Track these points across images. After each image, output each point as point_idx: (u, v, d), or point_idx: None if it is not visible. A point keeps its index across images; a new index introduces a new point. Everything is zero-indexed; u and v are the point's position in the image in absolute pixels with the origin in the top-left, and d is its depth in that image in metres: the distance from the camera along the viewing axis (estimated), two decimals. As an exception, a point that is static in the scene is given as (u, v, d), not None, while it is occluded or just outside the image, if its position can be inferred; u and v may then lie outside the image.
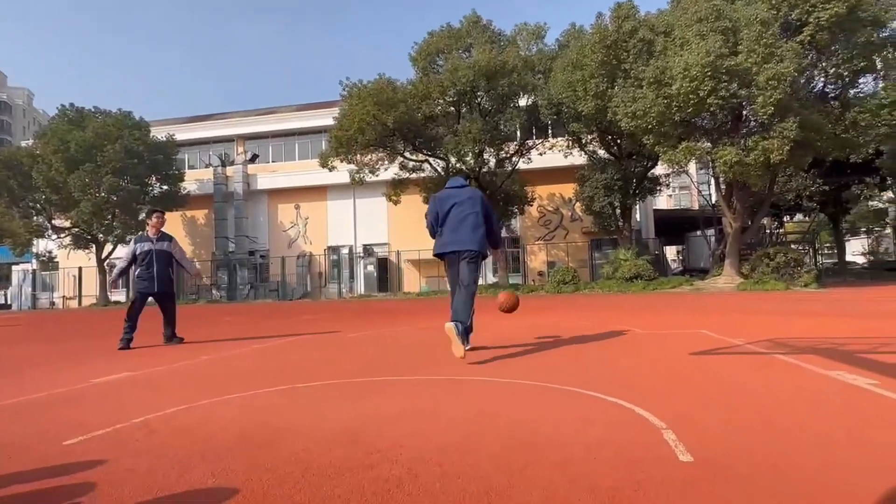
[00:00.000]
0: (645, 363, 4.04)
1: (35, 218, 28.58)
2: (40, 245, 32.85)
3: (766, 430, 2.27)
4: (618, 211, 22.14)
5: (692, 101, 15.06)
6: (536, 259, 28.73)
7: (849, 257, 34.73)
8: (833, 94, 17.09)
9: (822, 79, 17.00)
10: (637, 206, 25.90)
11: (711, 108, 15.39)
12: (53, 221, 28.87)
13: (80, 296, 31.84)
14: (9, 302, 36.01)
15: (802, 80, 16.09)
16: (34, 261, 34.05)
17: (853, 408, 2.58)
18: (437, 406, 2.85)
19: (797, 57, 14.45)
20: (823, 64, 16.37)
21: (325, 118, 27.66)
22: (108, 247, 28.88)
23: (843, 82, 16.65)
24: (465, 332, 4.21)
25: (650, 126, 16.28)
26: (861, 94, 16.86)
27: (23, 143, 33.15)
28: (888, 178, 25.35)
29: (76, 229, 28.04)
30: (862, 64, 15.86)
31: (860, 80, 16.96)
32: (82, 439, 2.42)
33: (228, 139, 33.48)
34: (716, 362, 3.99)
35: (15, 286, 36.33)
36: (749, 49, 14.53)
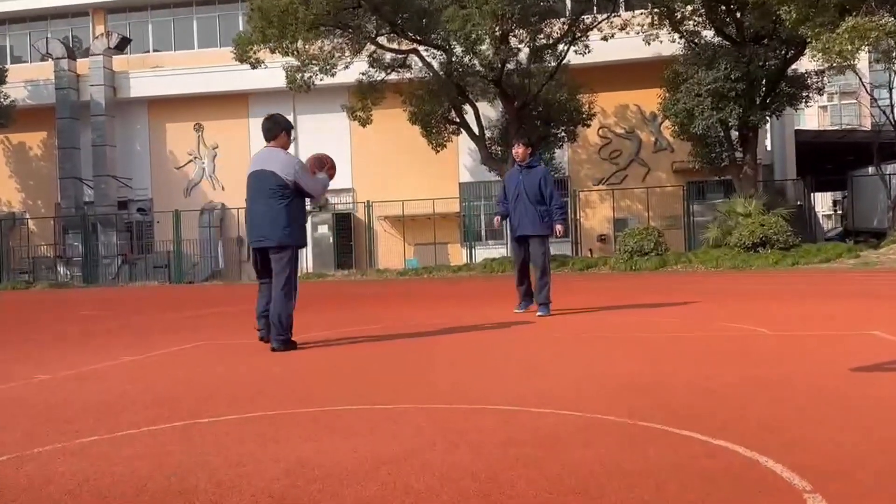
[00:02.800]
0: (773, 383, 4.01)
1: None
2: None
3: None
4: (734, 134, 21.94)
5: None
6: (596, 215, 28.66)
7: None
8: None
9: None
10: (768, 127, 25.67)
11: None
12: None
13: None
14: None
15: None
16: None
17: None
18: (417, 452, 2.82)
19: None
20: None
21: (243, -22, 27.24)
22: None
23: None
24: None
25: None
26: None
27: None
28: None
29: None
30: None
31: None
32: None
33: (79, 12, 33.07)
34: (894, 382, 3.94)
35: None
36: None
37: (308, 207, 7.03)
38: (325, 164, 6.80)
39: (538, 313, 8.20)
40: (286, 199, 6.03)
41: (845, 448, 2.73)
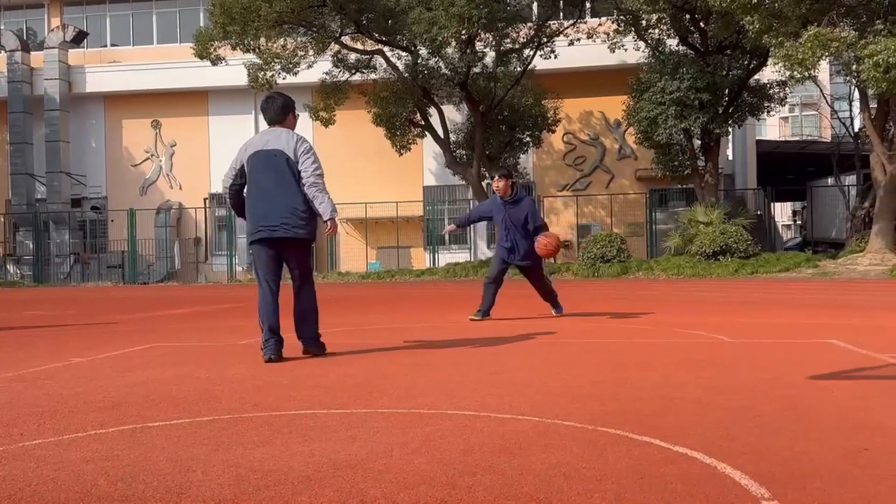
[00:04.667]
0: (733, 391, 4.04)
1: None
2: None
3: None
4: (697, 143, 22.17)
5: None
6: (560, 220, 28.80)
7: None
8: None
9: None
10: (730, 136, 26.00)
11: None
12: None
13: None
14: None
15: None
16: None
17: None
18: (374, 458, 2.79)
19: None
20: None
21: (205, -27, 26.98)
22: None
23: None
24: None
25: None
26: None
27: None
28: None
29: None
30: None
31: None
32: None
33: (34, 3, 32.59)
34: (851, 391, 3.98)
35: None
36: None
37: None
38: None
39: (555, 312, 8.91)
40: (302, 186, 5.46)
41: (803, 456, 2.75)
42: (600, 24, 23.56)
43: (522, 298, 10.42)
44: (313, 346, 5.64)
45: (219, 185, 30.06)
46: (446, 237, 24.75)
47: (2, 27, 31.99)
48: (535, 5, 23.59)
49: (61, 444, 3.11)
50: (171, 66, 29.82)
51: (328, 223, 5.71)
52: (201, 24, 25.27)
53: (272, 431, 3.30)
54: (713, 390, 4.10)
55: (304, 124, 27.09)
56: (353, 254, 28.67)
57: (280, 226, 5.33)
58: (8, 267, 29.88)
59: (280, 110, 5.72)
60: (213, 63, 22.39)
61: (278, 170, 5.38)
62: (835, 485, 2.42)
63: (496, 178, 8.60)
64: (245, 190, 5.63)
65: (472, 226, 8.69)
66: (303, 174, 5.45)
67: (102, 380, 4.89)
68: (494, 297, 8.59)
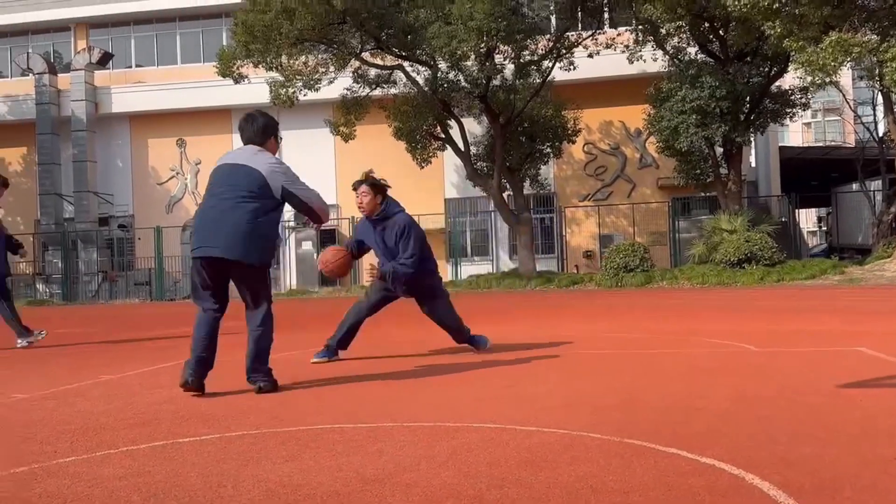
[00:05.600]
0: (759, 401, 4.01)
1: None
2: None
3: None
4: (719, 150, 22.05)
5: (847, -36, 14.93)
6: (581, 231, 28.71)
7: None
8: None
9: None
10: (752, 143, 25.84)
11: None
12: None
13: None
14: None
15: None
16: None
17: None
18: (401, 471, 2.80)
19: None
20: None
21: (227, -8, 27.29)
22: None
23: None
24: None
25: (776, 4, 16.17)
26: None
27: None
28: None
29: None
30: None
31: None
32: None
33: (61, 27, 33.04)
34: (880, 399, 3.94)
35: None
36: None
37: (293, 224, 5.61)
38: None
39: (478, 348, 6.63)
40: (266, 206, 4.57)
41: (832, 464, 2.74)
42: (619, 35, 23.53)
43: (550, 310, 10.37)
44: (265, 383, 4.79)
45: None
46: (471, 248, 24.80)
47: (29, 50, 32.43)
48: (553, 17, 23.61)
49: (94, 461, 3.14)
50: (195, 85, 30.10)
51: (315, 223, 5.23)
52: (224, 44, 25.48)
53: (300, 446, 3.32)
54: (739, 400, 4.07)
55: (326, 140, 27.36)
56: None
57: (227, 247, 4.44)
58: (37, 285, 30.18)
59: (260, 131, 4.89)
60: (236, 81, 22.56)
61: (236, 186, 4.55)
62: (865, 494, 2.41)
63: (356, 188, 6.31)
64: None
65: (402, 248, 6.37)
66: (295, 193, 4.73)
67: (132, 396, 4.92)
68: (354, 329, 6.43)
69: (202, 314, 4.72)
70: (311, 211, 4.83)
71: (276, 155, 4.95)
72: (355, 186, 6.20)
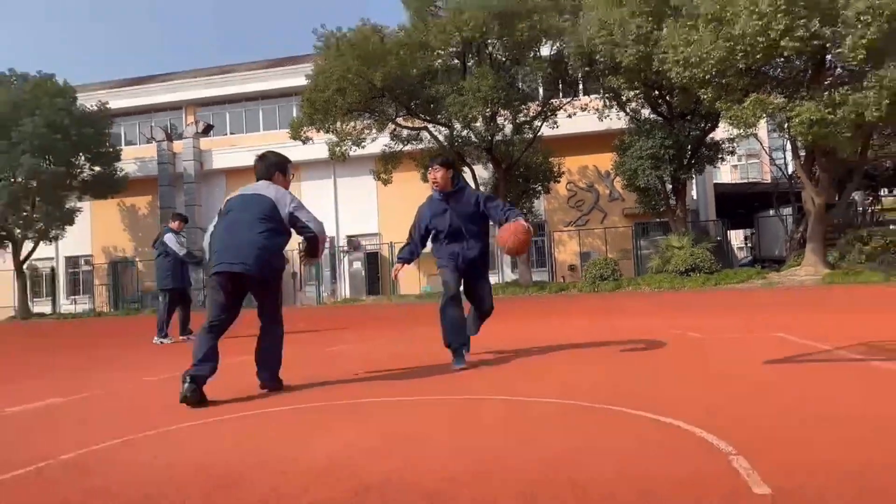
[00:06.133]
0: (707, 376, 4.02)
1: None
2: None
3: (862, 454, 2.24)
4: (668, 187, 21.98)
5: (761, 44, 14.90)
6: (566, 250, 28.64)
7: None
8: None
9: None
10: (693, 181, 25.71)
11: (786, 53, 15.23)
12: (-42, 214, 28.97)
13: (-7, 307, 32.04)
14: None
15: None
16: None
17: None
18: (443, 431, 2.83)
19: (896, -16, 14.26)
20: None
21: (297, 77, 27.53)
22: (28, 245, 28.96)
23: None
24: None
25: (708, 76, 16.14)
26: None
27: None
28: None
29: (-13, 224, 28.17)
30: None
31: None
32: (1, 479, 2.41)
33: (175, 106, 33.44)
34: (797, 373, 3.95)
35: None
36: (834, -25, 14.37)
37: (345, 249, 4.05)
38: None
39: (471, 333, 5.19)
40: (275, 229, 4.05)
41: (765, 423, 2.76)
42: (591, 101, 23.54)
43: (545, 312, 10.31)
44: (273, 382, 4.18)
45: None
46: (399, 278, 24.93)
47: (152, 124, 32.96)
48: (540, 88, 23.67)
49: (204, 427, 3.18)
50: (273, 146, 30.33)
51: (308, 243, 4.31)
52: (294, 115, 25.73)
53: (378, 413, 3.33)
54: (691, 374, 4.08)
55: (370, 184, 27.45)
56: (409, 280, 28.71)
57: (247, 264, 3.90)
58: (159, 298, 30.38)
59: (269, 167, 4.34)
60: (304, 142, 22.75)
61: (249, 210, 4.05)
62: (789, 443, 2.42)
63: (432, 167, 5.05)
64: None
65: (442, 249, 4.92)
66: (300, 217, 4.15)
67: (233, 377, 4.90)
68: (465, 322, 4.96)
69: (206, 327, 3.98)
70: (312, 236, 4.16)
71: (290, 189, 4.36)
72: (430, 165, 5.11)
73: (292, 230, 4.18)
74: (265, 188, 4.18)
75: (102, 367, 6.34)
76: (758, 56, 15.33)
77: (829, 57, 16.27)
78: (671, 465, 2.22)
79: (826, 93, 15.69)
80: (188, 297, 9.59)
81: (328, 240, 3.70)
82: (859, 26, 14.13)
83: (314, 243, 4.21)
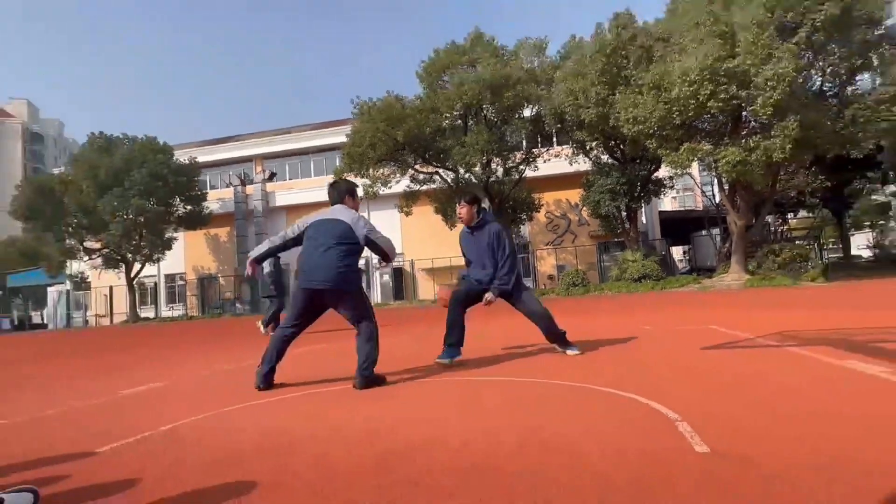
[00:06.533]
0: (656, 359, 3.96)
1: (68, 241, 29.02)
2: (73, 267, 33.34)
3: (781, 419, 2.20)
4: (623, 214, 21.94)
5: (692, 105, 14.92)
6: (546, 263, 28.56)
7: (854, 251, 34.11)
8: (831, 92, 16.85)
9: (820, 78, 16.78)
10: (642, 209, 25.68)
11: (711, 111, 15.24)
12: (85, 244, 29.31)
13: (111, 314, 32.23)
14: (45, 321, 36.62)
15: (800, 80, 15.87)
16: (67, 282, 34.59)
17: (868, 396, 2.50)
18: (453, 406, 2.81)
19: (794, 57, 14.26)
20: (821, 63, 16.16)
21: (338, 136, 27.86)
22: (137, 266, 29.23)
23: (841, 80, 16.42)
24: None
25: (652, 130, 16.15)
26: (859, 92, 16.61)
27: (55, 171, 33.77)
28: (890, 173, 24.86)
29: (106, 250, 28.45)
30: (859, 62, 15.66)
31: (857, 78, 16.72)
32: (113, 447, 2.41)
33: (247, 159, 33.84)
34: (727, 356, 3.90)
35: (50, 307, 36.96)
36: (746, 51, 14.39)
37: (376, 265, 3.89)
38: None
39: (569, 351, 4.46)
40: (352, 249, 3.72)
41: (702, 396, 2.73)
42: (562, 149, 23.66)
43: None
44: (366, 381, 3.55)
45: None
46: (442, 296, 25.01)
47: (230, 173, 33.32)
48: (524, 140, 23.80)
49: (268, 404, 3.17)
50: (322, 188, 30.52)
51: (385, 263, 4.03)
52: (337, 164, 25.98)
53: (402, 392, 3.28)
54: (644, 358, 4.03)
55: (395, 216, 27.50)
56: (425, 289, 28.71)
57: (325, 281, 3.57)
58: (236, 305, 30.56)
59: (342, 192, 3.99)
60: (345, 185, 22.88)
61: (331, 235, 3.70)
62: (723, 411, 2.39)
63: (459, 204, 4.61)
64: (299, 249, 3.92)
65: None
66: (374, 239, 3.83)
67: (292, 364, 4.85)
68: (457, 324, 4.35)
69: (280, 332, 3.69)
70: (384, 252, 3.86)
71: (359, 208, 4.07)
72: (458, 201, 4.65)
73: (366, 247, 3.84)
74: (341, 212, 3.83)
75: (194, 357, 6.35)
76: (689, 114, 15.35)
77: (744, 113, 16.26)
78: (628, 428, 2.19)
79: (743, 140, 15.66)
80: (283, 303, 9.68)
81: (392, 251, 3.87)
82: (767, 90, 14.13)
83: (386, 257, 3.92)
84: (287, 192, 32.09)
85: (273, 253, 3.90)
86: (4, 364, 7.32)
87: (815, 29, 14.83)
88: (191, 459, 2.16)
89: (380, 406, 2.92)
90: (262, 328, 9.26)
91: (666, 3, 18.23)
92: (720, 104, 14.72)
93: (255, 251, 3.90)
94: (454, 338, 4.31)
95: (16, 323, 35.58)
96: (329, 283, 3.57)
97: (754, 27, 14.43)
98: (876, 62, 16.08)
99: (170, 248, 28.90)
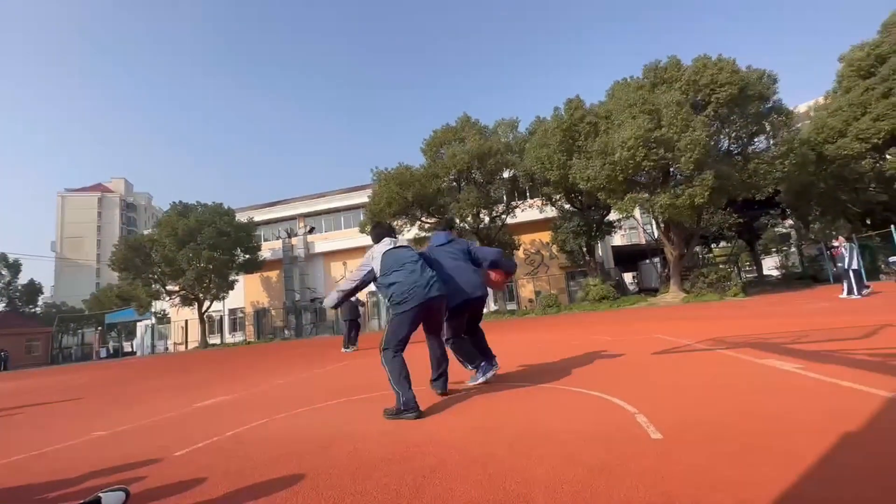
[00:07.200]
0: (616, 363, 3.91)
1: (153, 286, 29.00)
2: (157, 305, 33.17)
3: (718, 409, 2.17)
4: (584, 249, 21.99)
5: (631, 165, 15.23)
6: (526, 290, 28.35)
7: (766, 271, 34.02)
8: (737, 151, 17.18)
9: (727, 140, 17.15)
10: (599, 245, 25.73)
11: (646, 168, 15.53)
12: (167, 287, 29.26)
13: (186, 342, 31.84)
14: (134, 350, 36.25)
15: (712, 143, 16.23)
16: (153, 318, 34.39)
17: (783, 387, 2.47)
18: (458, 406, 2.76)
19: (706, 126, 14.65)
20: (726, 129, 16.56)
21: (362, 197, 28.22)
22: (207, 303, 29.10)
23: (743, 142, 16.80)
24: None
25: (601, 185, 16.41)
26: (757, 150, 16.96)
27: (144, 232, 34.09)
28: (786, 210, 25.11)
29: (183, 292, 28.39)
30: (755, 128, 16.07)
31: (755, 140, 17.10)
32: (188, 450, 2.37)
33: (293, 217, 34.08)
34: (672, 359, 3.86)
35: (139, 338, 36.65)
36: (669, 124, 14.79)
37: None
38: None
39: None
40: (431, 265, 3.22)
41: (655, 392, 2.69)
42: (535, 201, 23.89)
43: (515, 329, 10.03)
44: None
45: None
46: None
47: (279, 228, 33.53)
48: (504, 195, 24.05)
49: (313, 411, 3.10)
50: (350, 238, 30.67)
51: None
52: (361, 218, 26.18)
53: (418, 396, 3.23)
54: (606, 361, 3.97)
55: (408, 257, 27.38)
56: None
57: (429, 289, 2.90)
58: (285, 332, 30.16)
59: (379, 234, 3.30)
60: (367, 235, 22.91)
61: (409, 259, 3.10)
62: (673, 403, 2.36)
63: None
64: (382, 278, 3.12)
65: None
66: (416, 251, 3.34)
67: (330, 379, 4.71)
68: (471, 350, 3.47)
69: (394, 355, 2.89)
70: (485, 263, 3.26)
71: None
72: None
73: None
74: (396, 241, 3.31)
75: (253, 374, 6.25)
76: (629, 172, 15.61)
77: (671, 169, 16.54)
78: (596, 420, 2.16)
79: (672, 190, 15.86)
80: (358, 324, 9.49)
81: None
82: (687, 152, 14.43)
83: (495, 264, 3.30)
84: (324, 241, 32.14)
85: (350, 296, 3.26)
86: (104, 384, 7.20)
87: (719, 105, 15.31)
88: (252, 458, 2.12)
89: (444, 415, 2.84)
90: (346, 348, 8.99)
91: (605, 89, 18.87)
92: (652, 163, 15.02)
93: (331, 300, 3.23)
94: (480, 357, 3.41)
95: (111, 352, 35.16)
96: (440, 291, 2.94)
97: (674, 105, 14.88)
98: (768, 128, 16.50)
99: (232, 288, 28.80)
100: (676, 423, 2.02)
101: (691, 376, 2.99)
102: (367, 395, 3.51)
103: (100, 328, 42.76)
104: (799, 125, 16.84)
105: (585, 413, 2.32)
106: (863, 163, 18.58)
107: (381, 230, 3.40)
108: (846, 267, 9.72)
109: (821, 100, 22.83)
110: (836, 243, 10.18)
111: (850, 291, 9.72)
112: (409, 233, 23.55)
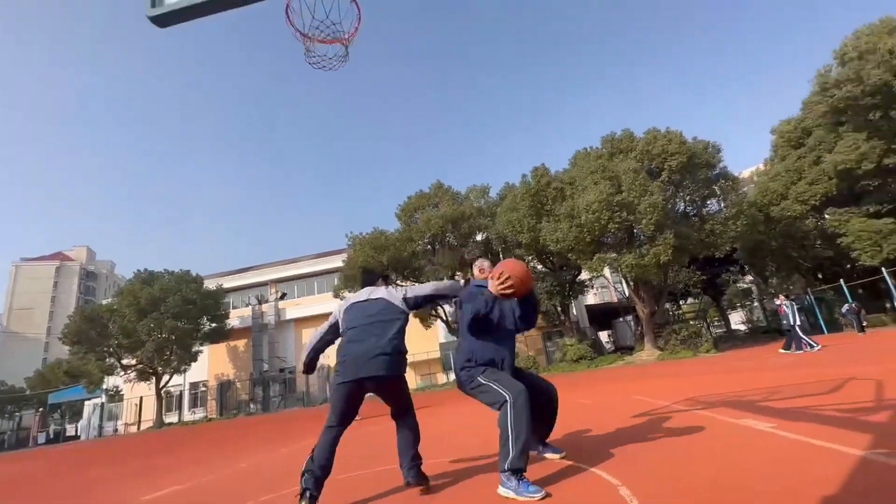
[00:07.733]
0: (595, 429, 3.85)
1: (108, 360, 26.98)
2: (109, 381, 30.66)
3: (697, 475, 2.15)
4: (559, 309, 22.23)
5: (596, 227, 16.03)
6: (504, 352, 27.99)
7: (733, 325, 35.07)
8: (693, 213, 18.42)
9: (683, 203, 18.43)
10: (573, 304, 26.16)
11: (611, 230, 16.35)
12: (122, 361, 27.28)
13: (139, 421, 29.14)
14: (78, 433, 32.73)
15: (669, 206, 17.41)
16: (103, 395, 31.57)
17: (760, 448, 2.49)
18: (465, 430, 2.61)
19: (662, 191, 15.81)
20: (681, 193, 17.87)
21: (336, 262, 28.17)
22: (166, 377, 27.13)
23: (697, 205, 18.09)
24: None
25: (570, 246, 17.06)
26: (711, 212, 18.24)
27: (103, 302, 32.34)
28: (745, 266, 26.55)
29: (140, 365, 26.48)
30: (706, 192, 17.41)
31: (708, 202, 18.46)
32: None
33: (264, 284, 33.37)
34: (651, 423, 3.84)
35: (85, 419, 33.29)
36: (629, 189, 15.87)
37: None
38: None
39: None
40: (401, 324, 2.82)
41: (638, 459, 2.64)
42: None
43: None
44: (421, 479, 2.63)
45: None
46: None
47: (249, 295, 32.63)
48: (478, 258, 24.50)
49: (393, 470, 2.87)
50: (323, 303, 30.08)
51: None
52: (335, 283, 25.91)
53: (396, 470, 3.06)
54: (587, 430, 3.91)
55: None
56: (408, 379, 27.43)
57: (379, 368, 2.58)
58: (250, 405, 28.26)
59: (368, 279, 3.16)
60: (342, 299, 22.54)
61: (373, 316, 2.82)
62: (654, 471, 2.32)
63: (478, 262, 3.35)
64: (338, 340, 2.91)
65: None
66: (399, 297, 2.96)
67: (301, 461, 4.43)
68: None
69: (334, 433, 2.57)
70: (439, 297, 2.91)
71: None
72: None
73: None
74: (375, 291, 2.97)
75: (212, 458, 5.74)
76: (595, 233, 16.37)
77: (635, 230, 17.45)
78: (579, 494, 2.09)
79: (637, 249, 16.63)
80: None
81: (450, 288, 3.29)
82: (647, 214, 15.38)
83: (445, 298, 2.80)
84: (295, 308, 31.32)
85: (316, 354, 2.92)
86: (29, 479, 6.41)
87: (672, 172, 16.64)
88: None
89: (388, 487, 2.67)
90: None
91: (569, 158, 20.27)
92: (616, 225, 15.84)
93: (303, 359, 2.91)
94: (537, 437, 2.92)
95: (51, 436, 31.61)
96: (379, 371, 2.48)
97: (631, 172, 16.07)
98: (718, 192, 17.90)
99: (195, 360, 27.10)
100: (659, 495, 1.98)
101: (671, 442, 2.98)
102: (354, 472, 3.28)
103: (41, 409, 38.73)
104: (745, 189, 18.41)
105: (567, 486, 2.25)
106: (806, 222, 20.21)
107: (366, 277, 3.01)
108: (791, 324, 10.23)
109: (761, 166, 25.24)
110: (777, 301, 10.79)
111: (787, 346, 10.21)
112: (385, 296, 23.28)
